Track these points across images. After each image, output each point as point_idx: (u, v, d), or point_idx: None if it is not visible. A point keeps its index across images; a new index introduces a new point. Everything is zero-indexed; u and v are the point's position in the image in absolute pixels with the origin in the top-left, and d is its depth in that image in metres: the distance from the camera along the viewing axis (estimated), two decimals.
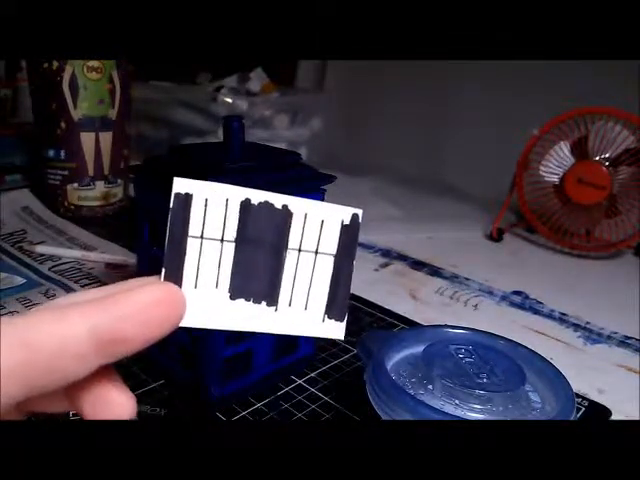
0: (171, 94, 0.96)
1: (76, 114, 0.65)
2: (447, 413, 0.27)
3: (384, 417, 0.28)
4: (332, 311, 0.20)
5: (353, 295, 0.54)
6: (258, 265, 0.19)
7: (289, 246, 0.20)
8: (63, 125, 0.65)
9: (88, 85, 0.65)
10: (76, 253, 0.58)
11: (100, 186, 0.69)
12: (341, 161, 0.93)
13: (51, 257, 0.57)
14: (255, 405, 0.37)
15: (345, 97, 1.09)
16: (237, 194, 0.19)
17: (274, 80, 1.04)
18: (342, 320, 0.21)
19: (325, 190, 0.38)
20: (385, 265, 0.65)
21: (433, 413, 0.27)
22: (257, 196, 0.19)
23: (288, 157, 0.38)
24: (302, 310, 0.20)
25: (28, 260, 0.56)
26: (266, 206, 0.19)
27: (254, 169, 0.35)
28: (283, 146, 0.49)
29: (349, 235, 0.20)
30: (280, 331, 0.20)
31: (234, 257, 0.19)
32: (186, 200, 0.18)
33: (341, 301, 0.21)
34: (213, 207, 0.18)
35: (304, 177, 0.37)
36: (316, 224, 0.20)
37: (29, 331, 0.15)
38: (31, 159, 0.77)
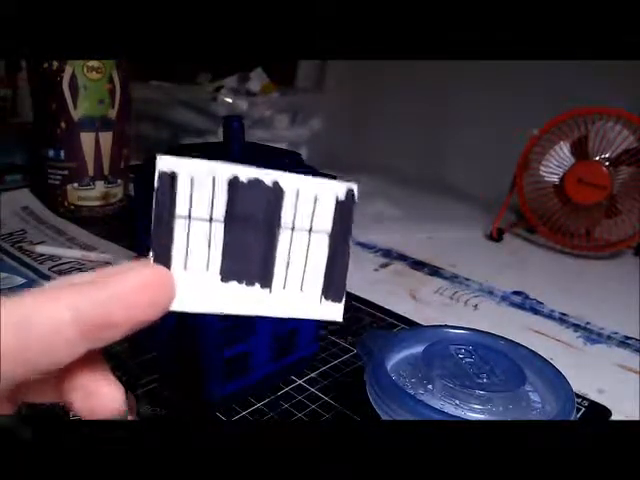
0: (171, 94, 0.96)
1: (76, 114, 0.65)
2: (447, 413, 0.27)
3: (384, 417, 0.28)
4: (329, 292, 0.20)
5: (353, 295, 0.54)
6: (250, 245, 0.18)
7: (281, 224, 0.19)
8: (63, 125, 0.65)
9: (88, 85, 0.65)
10: (76, 253, 0.58)
11: (100, 186, 0.69)
12: (341, 161, 0.93)
13: (51, 257, 0.57)
14: (255, 405, 0.37)
15: (345, 97, 1.09)
16: (224, 171, 0.18)
17: (274, 80, 1.04)
18: (340, 301, 0.20)
19: None
20: (385, 265, 0.65)
21: (433, 413, 0.27)
22: (245, 173, 0.18)
23: (288, 157, 0.38)
24: (298, 292, 0.19)
25: (28, 260, 0.56)
26: (255, 183, 0.18)
27: None
28: (283, 146, 0.49)
29: (344, 211, 0.19)
30: (275, 314, 0.19)
31: (224, 237, 0.18)
32: (171, 179, 0.17)
33: (338, 281, 0.20)
34: (199, 185, 0.17)
35: None
36: (309, 201, 0.19)
37: (15, 314, 0.15)
38: (31, 159, 0.77)
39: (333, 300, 0.20)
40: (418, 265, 0.66)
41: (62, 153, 0.67)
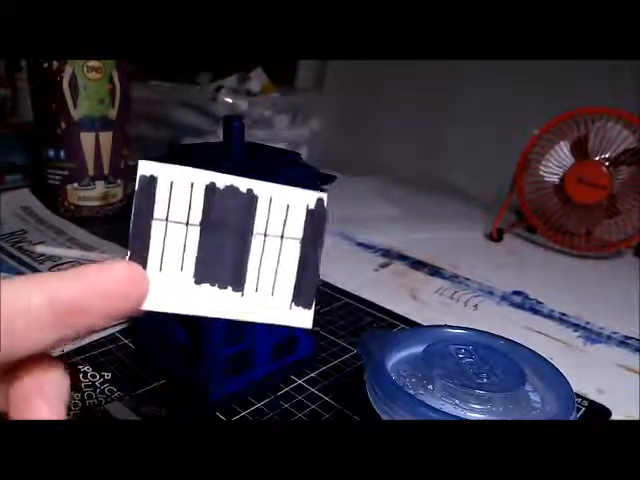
0: (171, 94, 0.96)
1: (76, 114, 0.65)
2: (447, 413, 0.27)
3: (384, 417, 0.28)
4: (299, 298, 0.20)
5: (353, 295, 0.54)
6: (223, 249, 0.19)
7: (255, 231, 0.19)
8: (63, 125, 0.65)
9: (88, 85, 0.65)
10: (76, 253, 0.58)
11: (100, 186, 0.69)
12: (341, 161, 0.93)
13: (51, 257, 0.57)
14: (255, 405, 0.37)
15: (345, 97, 1.09)
16: (202, 178, 0.19)
17: (274, 80, 1.03)
18: (309, 308, 0.20)
19: (326, 190, 0.37)
20: (385, 265, 0.65)
21: (433, 413, 0.27)
22: (222, 180, 0.19)
23: (288, 157, 0.38)
24: (269, 296, 0.20)
25: (28, 260, 0.56)
26: (231, 190, 0.19)
27: (254, 169, 0.35)
28: (283, 146, 0.49)
29: (315, 220, 0.20)
30: (246, 318, 0.19)
31: (199, 241, 0.19)
32: (151, 182, 0.18)
33: (308, 288, 0.20)
34: (178, 190, 0.18)
35: (304, 177, 0.37)
36: (281, 208, 0.20)
37: None
38: (31, 159, 0.77)
39: (303, 307, 0.20)
40: (418, 265, 0.66)
41: (62, 153, 0.67)
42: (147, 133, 0.97)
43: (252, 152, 0.38)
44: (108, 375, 0.38)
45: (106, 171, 0.69)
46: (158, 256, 0.18)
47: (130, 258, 0.18)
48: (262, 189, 0.19)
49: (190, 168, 0.18)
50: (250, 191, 0.19)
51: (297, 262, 0.20)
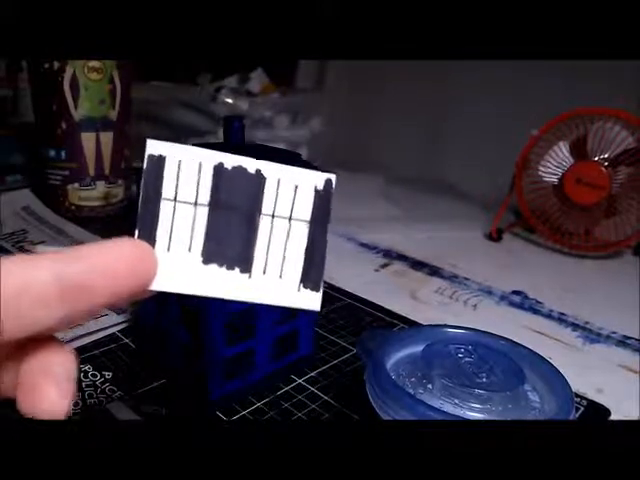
0: (171, 94, 0.96)
1: (77, 114, 0.65)
2: (446, 412, 0.27)
3: (384, 417, 0.28)
4: (308, 280, 0.20)
5: (353, 295, 0.54)
6: (232, 230, 0.19)
7: (263, 212, 0.19)
8: (64, 125, 0.65)
9: (89, 85, 0.65)
10: None
11: (101, 186, 0.69)
12: (341, 161, 0.93)
13: None
14: (255, 405, 0.37)
15: (345, 97, 1.09)
16: (211, 158, 0.19)
17: (274, 80, 1.04)
18: (318, 290, 0.20)
19: None
20: (385, 265, 0.65)
21: (432, 412, 0.27)
22: (230, 160, 0.19)
23: (288, 157, 0.38)
24: (277, 278, 0.20)
25: None
26: (239, 170, 0.19)
27: None
28: (283, 146, 0.49)
29: (322, 201, 0.20)
30: (254, 299, 0.19)
31: (207, 221, 0.19)
32: (159, 162, 0.18)
33: (317, 270, 0.20)
34: (186, 170, 0.18)
35: None
36: (290, 189, 0.19)
37: None
38: (32, 159, 0.77)
39: (311, 289, 0.20)
40: (418, 265, 0.66)
41: (63, 153, 0.67)
42: (147, 133, 0.97)
43: (252, 152, 0.38)
44: (109, 375, 0.38)
45: (107, 171, 0.69)
46: (166, 236, 0.18)
47: (138, 237, 0.18)
48: (270, 170, 0.19)
49: (198, 148, 0.18)
50: (258, 172, 0.19)
51: (305, 244, 0.20)
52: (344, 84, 1.11)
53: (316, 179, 0.20)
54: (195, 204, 0.18)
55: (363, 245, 0.71)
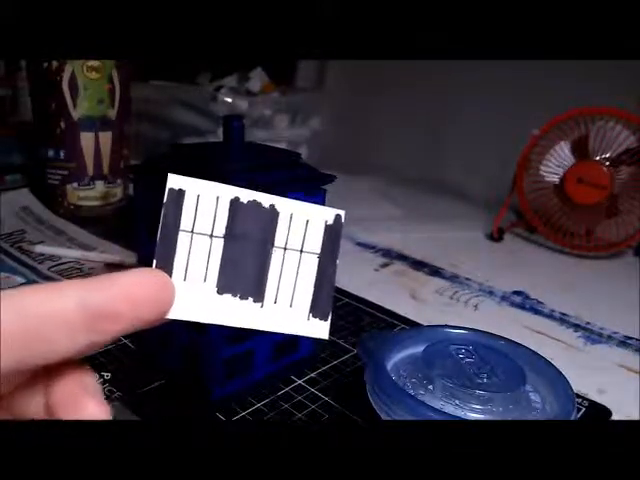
0: (171, 94, 0.96)
1: (76, 114, 0.65)
2: (447, 413, 0.27)
3: (384, 417, 0.28)
4: (316, 310, 0.21)
5: (353, 295, 0.54)
6: (245, 262, 0.20)
7: (275, 244, 0.20)
8: (63, 125, 0.65)
9: (88, 85, 0.65)
10: (76, 253, 0.58)
11: (100, 186, 0.69)
12: (341, 161, 0.93)
13: (51, 257, 0.57)
14: (255, 405, 0.37)
15: (345, 97, 1.09)
16: (227, 192, 0.19)
17: (274, 80, 1.03)
18: (326, 319, 0.21)
19: (326, 190, 0.37)
20: (385, 265, 0.65)
21: (433, 413, 0.27)
22: (246, 195, 0.20)
23: (288, 157, 0.38)
24: (287, 308, 0.21)
25: (28, 260, 0.56)
26: (254, 205, 0.20)
27: (254, 169, 0.35)
28: (283, 146, 0.49)
29: (332, 235, 0.21)
30: (265, 328, 0.20)
31: (223, 253, 0.20)
32: (179, 195, 0.19)
33: (325, 300, 0.21)
34: (204, 204, 0.19)
35: (304, 177, 0.37)
36: (301, 223, 0.21)
37: (23, 300, 0.15)
38: (31, 159, 0.77)
39: (320, 318, 0.21)
40: (418, 265, 0.66)
41: (62, 153, 0.67)
42: (147, 133, 0.97)
43: (252, 152, 0.38)
44: (108, 375, 0.38)
45: (106, 171, 0.69)
46: (183, 266, 0.19)
47: (156, 267, 0.19)
48: (284, 205, 0.20)
49: (216, 183, 0.19)
50: (272, 206, 0.20)
51: (315, 275, 0.21)
52: (344, 84, 1.11)
53: (327, 214, 0.21)
54: (211, 236, 0.19)
55: (363, 245, 0.71)
